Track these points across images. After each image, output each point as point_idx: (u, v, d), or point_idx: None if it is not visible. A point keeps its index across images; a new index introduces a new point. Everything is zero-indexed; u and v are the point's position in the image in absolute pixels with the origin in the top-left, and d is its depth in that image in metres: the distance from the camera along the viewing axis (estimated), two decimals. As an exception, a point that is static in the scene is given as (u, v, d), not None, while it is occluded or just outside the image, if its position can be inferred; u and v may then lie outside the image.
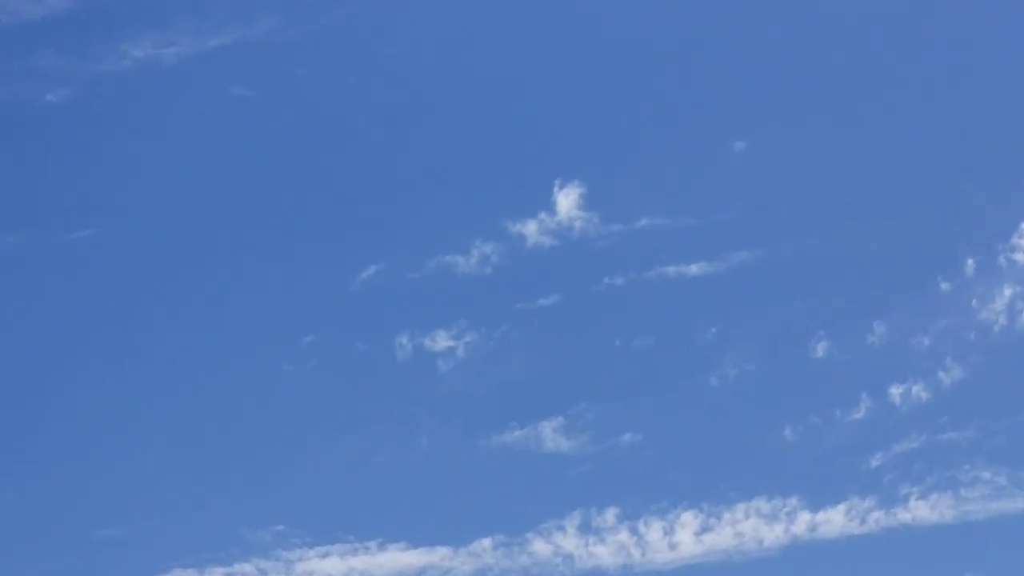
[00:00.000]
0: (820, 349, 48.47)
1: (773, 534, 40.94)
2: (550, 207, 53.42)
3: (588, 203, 52.27)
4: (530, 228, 52.66)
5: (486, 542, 41.79)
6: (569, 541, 42.07)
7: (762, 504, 42.84)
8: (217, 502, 46.31)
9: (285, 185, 54.48)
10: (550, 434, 46.81)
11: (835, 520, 40.38)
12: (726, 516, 40.82)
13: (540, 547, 41.27)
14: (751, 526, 40.44)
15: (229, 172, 55.07)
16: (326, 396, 51.25)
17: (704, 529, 40.11)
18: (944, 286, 48.36)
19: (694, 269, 49.79)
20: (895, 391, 44.47)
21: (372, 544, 42.21)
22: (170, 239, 53.43)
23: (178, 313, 52.68)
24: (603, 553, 40.81)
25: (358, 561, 41.52)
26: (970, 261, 45.89)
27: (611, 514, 42.71)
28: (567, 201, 52.24)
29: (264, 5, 55.24)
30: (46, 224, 52.63)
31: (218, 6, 55.46)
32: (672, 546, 40.70)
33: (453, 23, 60.48)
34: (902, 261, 50.57)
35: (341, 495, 48.27)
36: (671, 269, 49.30)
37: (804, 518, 40.57)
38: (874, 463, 43.83)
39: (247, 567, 41.29)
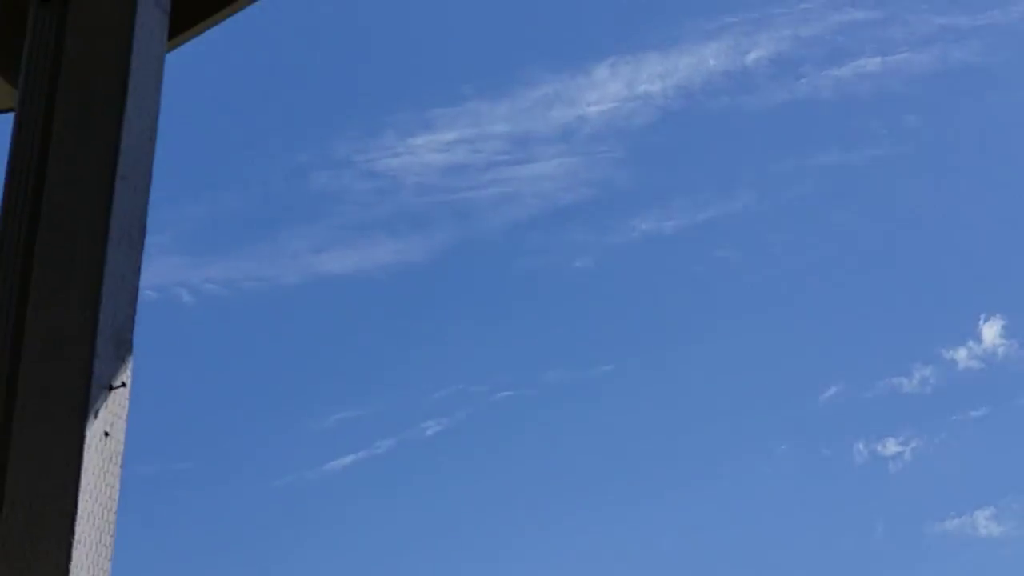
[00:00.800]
0: None
1: None
2: (976, 336, 64.43)
3: (1008, 332, 63.08)
4: (961, 354, 64.32)
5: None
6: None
7: None
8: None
9: (763, 325, 67.60)
10: (983, 522, 57.88)
11: None
12: None
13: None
14: None
15: (716, 317, 68.46)
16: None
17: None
18: None
19: (1098, 384, 59.12)
20: None
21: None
22: (672, 368, 67.45)
23: (674, 431, 66.38)
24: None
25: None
26: None
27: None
28: (991, 331, 63.69)
29: (741, 184, 68.55)
30: (572, 362, 67.00)
31: (706, 186, 69.14)
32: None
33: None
34: None
35: (816, 567, 60.29)
36: (1080, 384, 58.94)
37: None
38: None
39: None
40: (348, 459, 62.45)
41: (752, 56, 70.94)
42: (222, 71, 77.04)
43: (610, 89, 69.53)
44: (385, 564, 57.81)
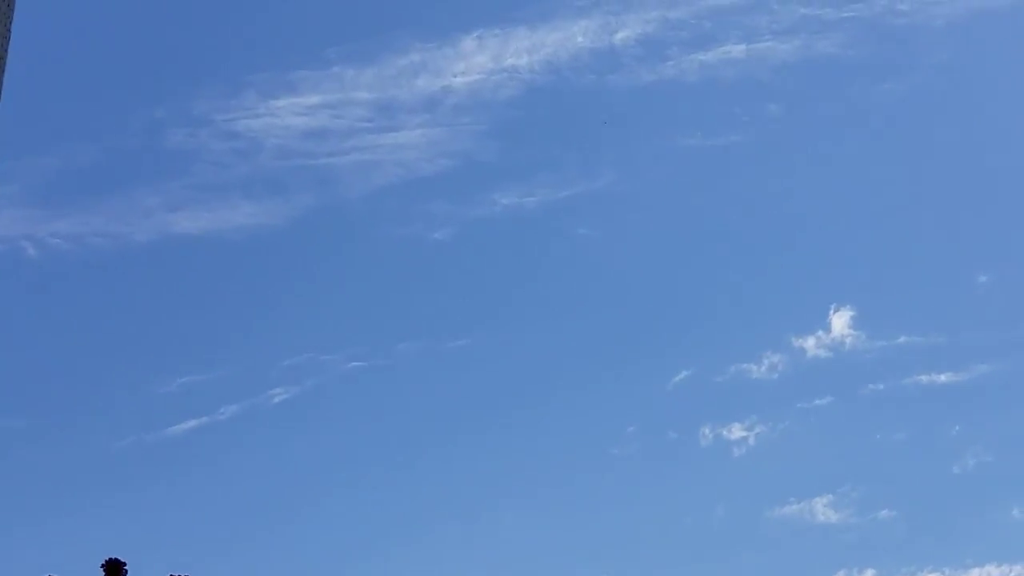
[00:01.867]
0: None
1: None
2: (826, 326, 64.47)
3: (857, 323, 63.22)
4: (809, 343, 64.07)
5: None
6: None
7: (992, 569, 52.92)
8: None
9: (620, 306, 67.30)
10: (821, 509, 58.38)
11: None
12: (961, 578, 50.55)
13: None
14: (982, 588, 50.49)
15: (574, 296, 68.12)
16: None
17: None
18: None
19: (943, 378, 59.85)
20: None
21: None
22: (527, 346, 66.75)
23: (525, 409, 65.39)
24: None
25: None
26: None
27: (868, 574, 53.53)
28: (840, 321, 63.70)
29: (604, 162, 68.58)
30: (431, 334, 66.57)
31: (570, 163, 68.82)
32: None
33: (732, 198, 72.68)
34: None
35: (656, 547, 59.92)
36: (924, 378, 59.84)
37: (1026, 583, 50.33)
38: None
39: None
40: (191, 423, 61.65)
41: (620, 36, 71.15)
42: (79, 20, 73.75)
43: (477, 61, 69.33)
44: (225, 529, 56.65)
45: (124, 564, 24.55)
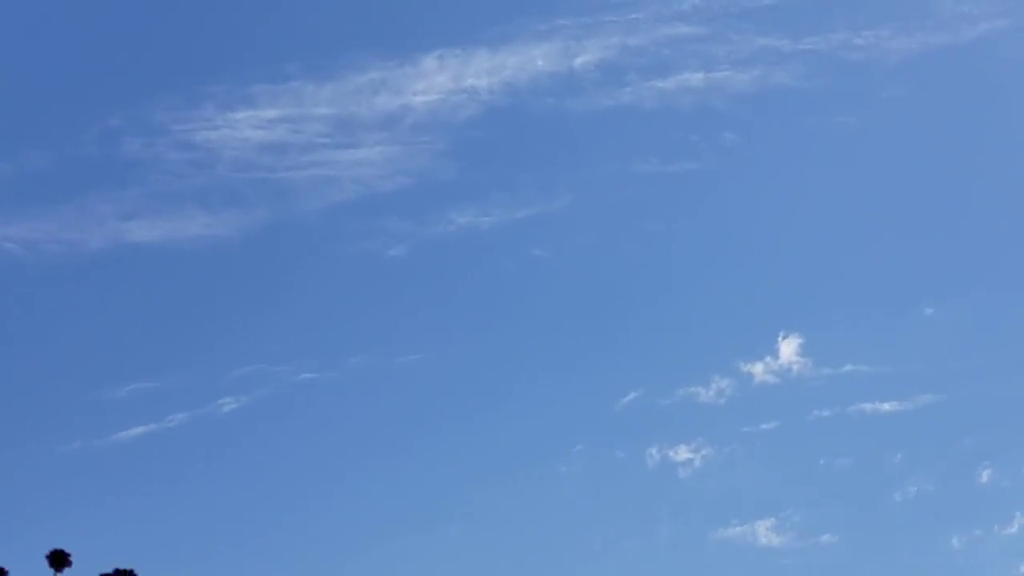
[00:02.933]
0: (985, 476, 59.01)
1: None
2: (774, 352, 64.93)
3: (805, 351, 63.58)
4: (757, 368, 64.42)
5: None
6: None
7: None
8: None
9: (571, 327, 67.40)
10: (764, 532, 58.85)
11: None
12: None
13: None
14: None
15: (526, 317, 68.35)
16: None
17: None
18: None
19: (887, 407, 60.36)
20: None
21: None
22: (478, 363, 66.77)
23: (474, 425, 65.40)
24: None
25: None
26: None
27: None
28: (788, 348, 64.04)
29: (561, 185, 68.79)
30: (383, 349, 66.67)
31: (527, 185, 68.94)
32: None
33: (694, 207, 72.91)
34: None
35: (600, 566, 59.91)
36: (868, 406, 60.33)
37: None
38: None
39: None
40: (139, 430, 61.55)
41: (580, 60, 71.65)
42: (38, 26, 73.35)
43: (437, 80, 69.67)
44: (170, 532, 56.53)
45: (68, 555, 24.64)
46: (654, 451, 62.74)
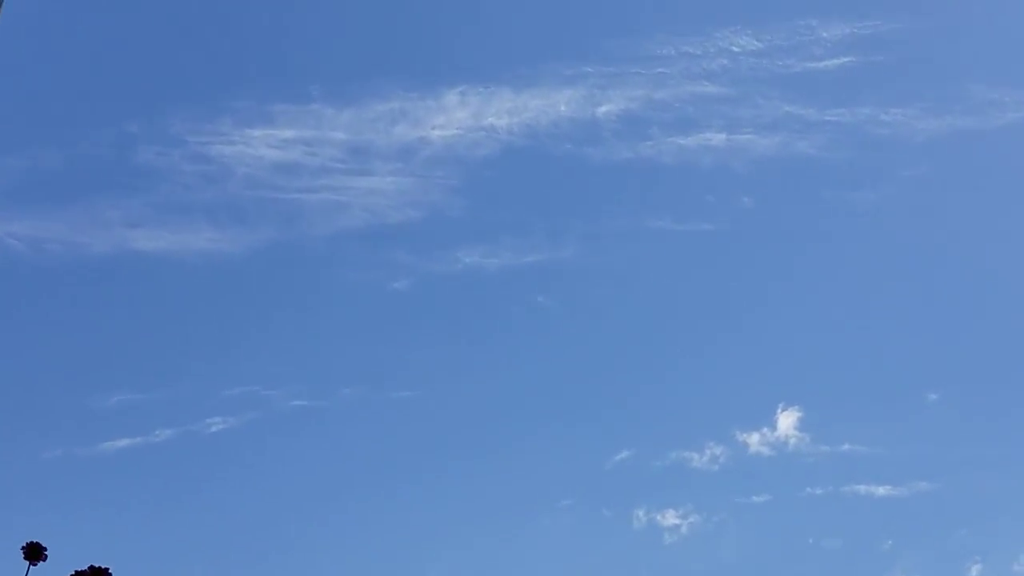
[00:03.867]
0: (975, 571, 58.41)
1: None
2: (772, 424, 64.43)
3: (803, 425, 63.08)
4: (753, 439, 63.89)
5: None
6: None
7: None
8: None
9: (570, 379, 66.87)
10: None
11: None
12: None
13: None
14: None
15: (526, 362, 67.69)
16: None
17: None
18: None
19: (881, 491, 59.88)
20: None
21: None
22: (471, 406, 66.06)
23: (462, 468, 64.65)
24: None
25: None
26: None
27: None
28: (787, 421, 63.54)
29: (571, 233, 68.21)
30: (376, 382, 65.95)
31: (537, 230, 68.48)
32: None
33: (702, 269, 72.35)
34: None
35: None
36: (863, 488, 59.65)
37: None
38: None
39: None
40: (124, 442, 60.62)
41: (603, 109, 71.15)
42: (66, 26, 72.75)
43: (456, 116, 69.10)
44: (145, 547, 55.66)
45: (44, 548, 23.98)
46: (641, 513, 62.08)
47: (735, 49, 75.68)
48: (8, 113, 68.77)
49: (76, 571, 22.74)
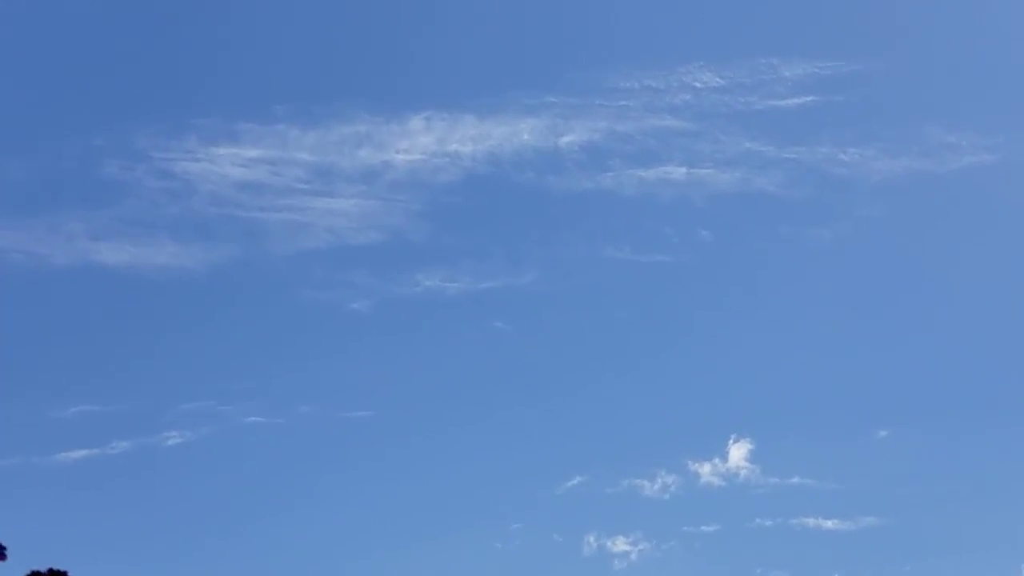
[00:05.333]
0: None
1: None
2: (723, 455, 65.35)
3: (754, 457, 64.00)
4: (705, 469, 64.71)
5: None
6: None
7: None
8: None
9: (525, 404, 67.51)
10: None
11: None
12: None
13: None
14: None
15: (481, 388, 68.32)
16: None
17: None
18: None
19: (829, 524, 60.63)
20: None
21: None
22: (426, 427, 66.59)
23: (415, 487, 65.15)
24: None
25: None
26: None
27: None
28: (738, 452, 64.43)
29: (531, 260, 69.07)
30: (332, 401, 66.49)
31: (497, 256, 69.24)
32: None
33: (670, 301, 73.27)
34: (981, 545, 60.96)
35: None
36: (811, 521, 60.48)
37: None
38: None
39: None
40: (80, 453, 60.77)
41: (565, 139, 71.93)
42: (30, 38, 73.23)
43: (421, 141, 69.71)
44: (104, 557, 55.81)
45: (4, 547, 24.24)
46: (592, 539, 62.68)
47: (698, 85, 76.87)
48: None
49: (34, 571, 22.99)
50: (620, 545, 62.29)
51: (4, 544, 24.06)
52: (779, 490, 64.01)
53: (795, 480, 64.80)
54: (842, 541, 62.87)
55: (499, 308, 70.40)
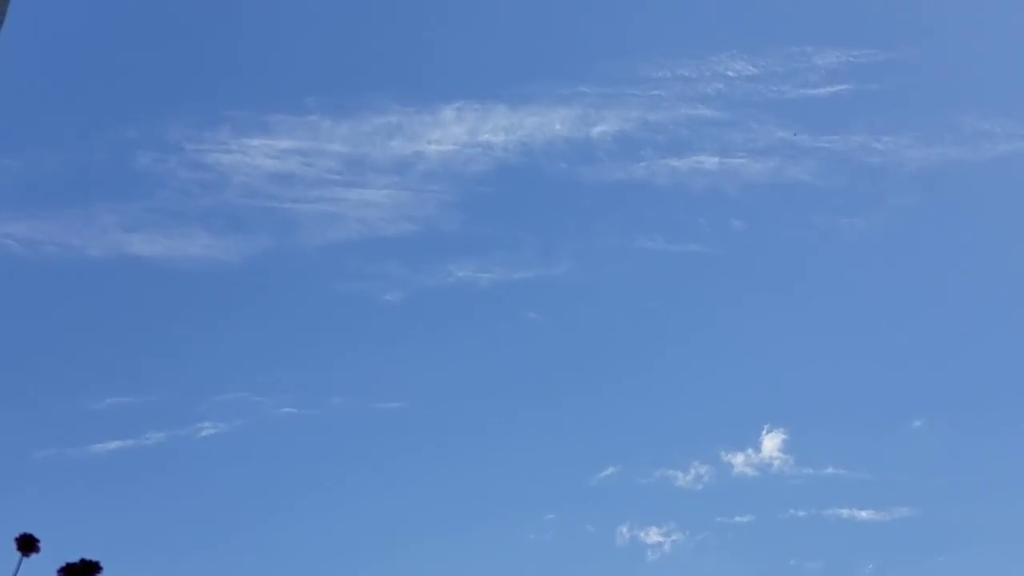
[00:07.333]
0: None
1: None
2: (756, 445, 65.44)
3: (787, 447, 64.05)
4: (738, 459, 64.85)
5: None
6: None
7: None
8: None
9: (558, 394, 67.70)
10: None
11: None
12: None
13: None
14: None
15: (514, 378, 68.58)
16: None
17: None
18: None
19: (863, 515, 60.47)
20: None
21: None
22: (460, 418, 66.98)
23: (448, 477, 65.76)
24: None
25: None
26: None
27: None
28: (771, 443, 64.41)
29: (563, 251, 69.16)
30: (365, 392, 66.72)
31: (529, 246, 69.50)
32: None
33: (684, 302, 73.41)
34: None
35: None
36: (845, 511, 60.33)
37: None
38: None
39: None
40: (115, 444, 61.07)
41: (598, 129, 71.70)
42: (66, 27, 73.74)
43: (453, 131, 69.60)
44: (137, 549, 56.20)
45: (37, 540, 24.16)
46: (625, 530, 62.55)
47: (730, 74, 76.23)
48: (7, 115, 69.55)
49: (67, 563, 22.94)
50: (653, 536, 62.44)
51: (37, 536, 23.95)
52: (813, 481, 63.98)
53: (829, 471, 64.72)
54: (876, 532, 62.84)
55: (532, 298, 70.55)
